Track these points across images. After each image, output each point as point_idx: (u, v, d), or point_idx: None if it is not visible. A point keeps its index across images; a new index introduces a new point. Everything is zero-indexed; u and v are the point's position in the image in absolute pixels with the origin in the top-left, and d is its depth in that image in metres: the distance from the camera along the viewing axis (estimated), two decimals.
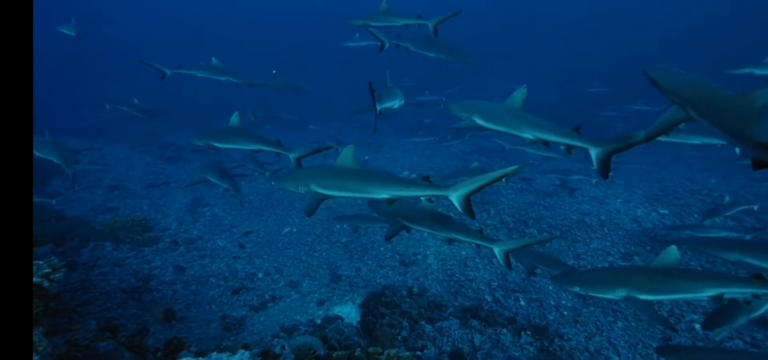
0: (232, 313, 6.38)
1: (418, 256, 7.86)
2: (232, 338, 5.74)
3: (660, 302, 4.01)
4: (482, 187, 4.08)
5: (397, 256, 7.89)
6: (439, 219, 5.01)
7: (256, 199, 10.76)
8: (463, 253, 7.83)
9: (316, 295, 6.86)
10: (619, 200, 10.04)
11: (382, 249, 8.13)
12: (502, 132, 4.77)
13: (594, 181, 10.99)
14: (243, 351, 3.63)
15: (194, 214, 9.97)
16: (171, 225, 9.43)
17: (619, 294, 4.06)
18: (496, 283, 6.97)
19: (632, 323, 5.96)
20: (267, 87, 12.04)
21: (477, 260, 7.60)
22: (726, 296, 3.99)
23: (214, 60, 9.70)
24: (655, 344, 5.54)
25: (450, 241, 5.33)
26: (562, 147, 4.60)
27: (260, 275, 7.45)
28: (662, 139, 8.41)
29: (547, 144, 4.63)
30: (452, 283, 7.07)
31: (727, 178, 10.96)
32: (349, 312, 6.40)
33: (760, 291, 3.94)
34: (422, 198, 4.37)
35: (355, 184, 4.42)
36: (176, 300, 6.63)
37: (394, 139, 17.58)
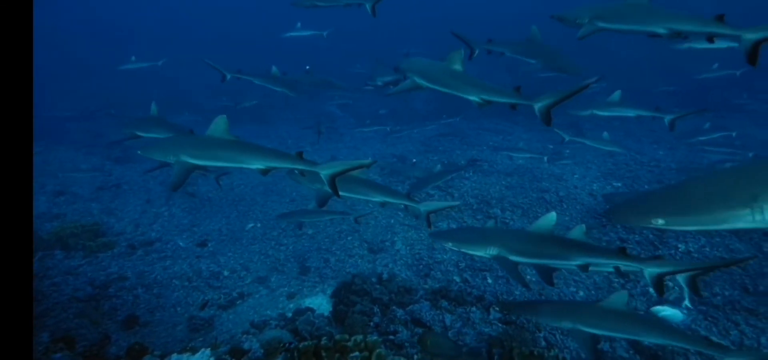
0: (199, 314, 6.17)
1: (386, 243, 7.89)
2: (201, 338, 5.57)
3: (530, 265, 4.22)
4: (348, 170, 4.41)
5: (365, 244, 7.88)
6: (370, 185, 5.55)
7: (216, 197, 10.43)
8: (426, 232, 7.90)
9: (286, 288, 6.75)
10: (575, 176, 10.46)
11: (349, 238, 8.10)
12: (446, 93, 4.87)
13: (545, 158, 11.39)
14: (204, 350, 3.51)
15: (150, 216, 9.55)
16: (126, 228, 8.99)
17: (489, 252, 4.19)
18: (463, 264, 7.10)
19: (592, 292, 6.25)
20: (300, 87, 11.54)
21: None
22: (591, 267, 4.08)
23: (274, 69, 9.95)
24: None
25: (383, 204, 5.86)
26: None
27: (226, 273, 7.24)
28: (604, 114, 8.88)
29: (489, 103, 4.76)
30: (421, 266, 7.14)
31: (672, 149, 11.65)
32: (320, 303, 6.34)
33: (622, 264, 3.99)
34: (295, 171, 4.50)
35: (228, 153, 4.38)
36: (138, 305, 6.34)
37: (352, 128, 17.48)
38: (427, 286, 6.58)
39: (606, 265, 4.11)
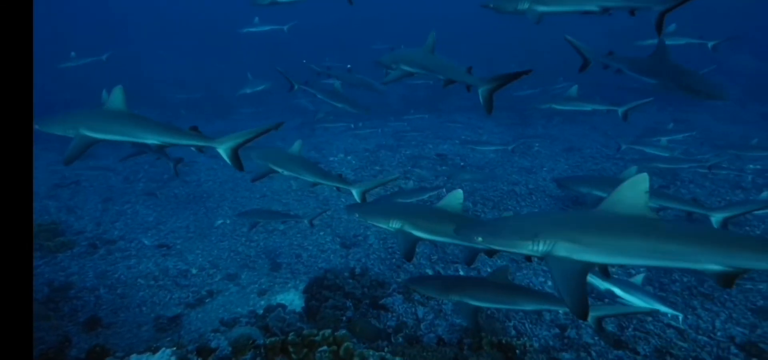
0: (165, 313, 5.98)
1: (359, 238, 7.86)
2: (168, 338, 5.40)
3: (430, 241, 4.36)
4: (248, 141, 4.40)
5: (338, 239, 7.83)
6: (303, 164, 5.71)
7: (183, 192, 10.13)
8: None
9: (257, 285, 6.63)
10: (544, 169, 10.70)
11: (322, 233, 8.02)
12: (423, 74, 5.64)
13: (510, 148, 11.62)
14: (165, 349, 3.41)
15: (112, 213, 9.19)
16: (87, 227, 8.62)
17: (393, 226, 4.25)
18: (436, 256, 7.15)
19: None
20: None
21: None
22: (475, 246, 4.11)
23: (336, 83, 9.71)
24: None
25: (314, 185, 5.88)
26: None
27: (194, 271, 7.05)
28: (561, 108, 9.04)
29: (453, 82, 5.46)
30: (394, 260, 7.15)
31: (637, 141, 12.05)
32: (292, 299, 6.26)
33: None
34: (192, 148, 4.50)
35: (126, 128, 4.35)
36: (100, 306, 6.09)
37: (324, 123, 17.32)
38: (400, 280, 6.59)
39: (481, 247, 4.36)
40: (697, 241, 2.93)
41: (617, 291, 4.85)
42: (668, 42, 9.86)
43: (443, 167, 11.00)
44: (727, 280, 2.78)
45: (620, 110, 8.07)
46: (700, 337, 5.16)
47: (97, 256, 7.45)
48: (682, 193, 8.88)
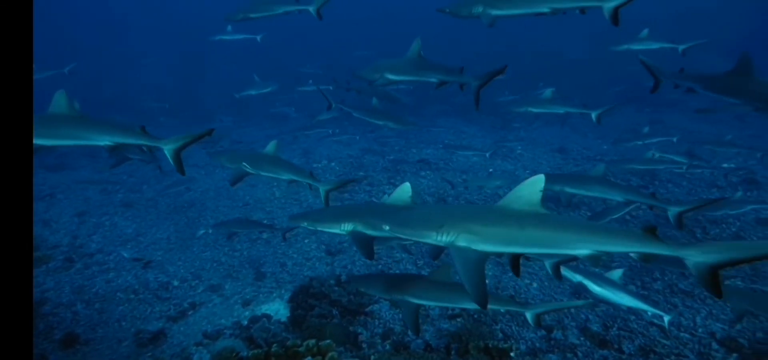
0: (146, 328, 5.82)
1: (345, 244, 7.79)
2: (149, 353, 5.24)
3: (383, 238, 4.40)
4: (189, 143, 4.43)
5: (323, 247, 7.75)
6: (278, 163, 5.83)
7: (163, 202, 9.92)
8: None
9: (241, 296, 6.51)
10: (527, 171, 10.81)
11: (306, 241, 7.93)
12: (410, 81, 5.94)
13: (488, 154, 11.75)
14: None
15: (90, 226, 8.94)
16: (62, 241, 8.36)
17: (344, 228, 4.28)
18: (422, 262, 7.13)
19: (545, 283, 6.45)
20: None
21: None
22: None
23: (375, 101, 9.47)
24: (566, 298, 6.06)
25: (290, 182, 6.00)
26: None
27: (176, 283, 6.88)
28: (537, 110, 9.10)
29: (446, 83, 5.76)
30: (380, 266, 7.11)
31: (616, 143, 12.27)
32: (277, 309, 6.16)
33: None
34: (144, 147, 4.53)
35: (74, 131, 4.28)
36: (78, 322, 5.90)
37: (305, 130, 17.23)
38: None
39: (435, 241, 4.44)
40: (575, 232, 3.26)
41: (589, 284, 4.95)
42: (637, 47, 10.17)
43: (427, 171, 11.02)
44: (593, 260, 3.21)
45: (594, 114, 8.24)
46: (682, 334, 5.25)
47: (73, 271, 7.22)
48: (660, 193, 9.08)
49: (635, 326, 5.40)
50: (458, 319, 5.65)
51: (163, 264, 7.44)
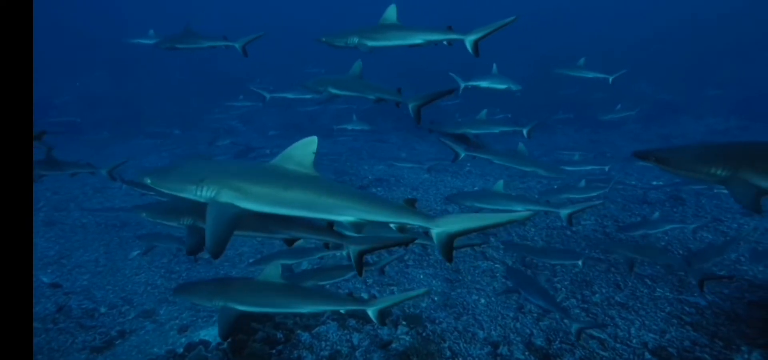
0: None
1: (293, 264, 7.52)
2: None
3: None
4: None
5: None
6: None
7: (92, 222, 9.18)
8: (338, 254, 7.73)
9: (177, 321, 6.07)
10: (476, 188, 11.03)
11: (251, 261, 7.59)
12: (351, 96, 6.11)
13: (426, 167, 11.98)
14: None
15: None
16: None
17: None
18: (371, 280, 7.02)
19: (492, 298, 6.53)
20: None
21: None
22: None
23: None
24: (511, 314, 6.15)
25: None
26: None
27: (103, 310, 6.33)
28: (474, 131, 9.41)
29: (384, 100, 6.04)
30: (329, 285, 6.91)
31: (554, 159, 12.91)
32: (216, 334, 5.79)
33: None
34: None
35: None
36: None
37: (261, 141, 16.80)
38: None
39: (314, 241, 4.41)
40: (340, 198, 3.28)
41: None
42: (575, 74, 11.18)
43: (379, 189, 10.98)
44: (356, 227, 3.29)
45: (525, 130, 8.67)
46: (618, 345, 5.46)
47: None
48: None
49: (576, 339, 5.55)
50: (407, 337, 5.57)
51: (89, 289, 6.83)
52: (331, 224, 4.03)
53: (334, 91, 6.04)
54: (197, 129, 18.97)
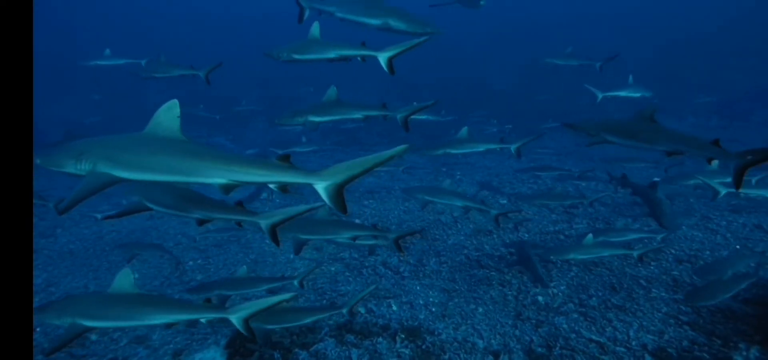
0: None
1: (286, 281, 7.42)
2: None
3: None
4: None
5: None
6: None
7: (80, 248, 8.99)
8: (332, 269, 7.67)
9: (171, 345, 5.93)
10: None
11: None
12: (335, 120, 6.54)
13: (401, 169, 12.68)
14: None
15: None
16: None
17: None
18: (405, 269, 6.96)
19: (490, 307, 6.51)
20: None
21: (347, 274, 7.51)
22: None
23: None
24: (510, 321, 6.13)
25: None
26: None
27: (94, 337, 6.15)
28: (457, 152, 9.55)
29: (371, 117, 6.49)
30: (324, 301, 6.84)
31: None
32: (213, 357, 5.68)
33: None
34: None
35: None
36: None
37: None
38: (331, 322, 6.28)
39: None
40: (211, 161, 3.31)
41: None
42: (562, 62, 11.68)
43: (371, 201, 10.94)
44: (227, 189, 3.29)
45: (513, 147, 8.61)
46: (618, 348, 5.47)
47: None
48: (589, 211, 9.63)
49: (576, 344, 5.54)
50: (406, 350, 5.51)
51: None
52: (240, 203, 4.31)
53: (315, 119, 6.25)
54: None
